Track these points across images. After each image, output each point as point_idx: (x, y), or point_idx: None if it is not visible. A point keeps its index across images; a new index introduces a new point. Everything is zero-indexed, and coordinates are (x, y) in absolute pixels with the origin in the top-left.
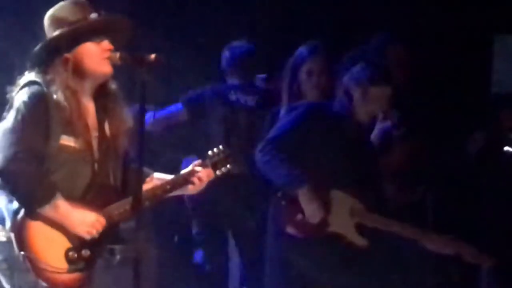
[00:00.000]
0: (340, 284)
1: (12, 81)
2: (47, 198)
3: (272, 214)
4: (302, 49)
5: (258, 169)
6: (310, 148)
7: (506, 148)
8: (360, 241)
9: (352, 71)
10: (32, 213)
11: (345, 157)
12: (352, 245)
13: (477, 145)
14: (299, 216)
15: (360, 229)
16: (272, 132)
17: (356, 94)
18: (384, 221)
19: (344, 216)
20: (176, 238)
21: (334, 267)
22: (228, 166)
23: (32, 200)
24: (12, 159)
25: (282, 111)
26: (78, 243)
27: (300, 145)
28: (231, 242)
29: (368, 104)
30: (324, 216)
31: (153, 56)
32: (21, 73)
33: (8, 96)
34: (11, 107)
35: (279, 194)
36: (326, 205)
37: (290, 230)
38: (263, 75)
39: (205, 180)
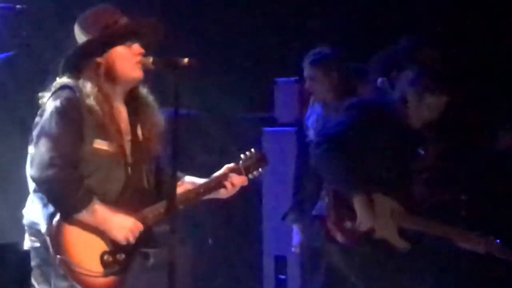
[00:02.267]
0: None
1: (44, 86)
2: (84, 203)
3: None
4: (315, 51)
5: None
6: (364, 149)
7: None
8: (403, 244)
9: (409, 74)
10: (68, 218)
11: (392, 160)
12: (394, 249)
13: (506, 143)
14: (348, 224)
15: (401, 232)
16: (328, 129)
17: (412, 99)
18: (424, 223)
19: (386, 220)
20: (210, 241)
21: (377, 272)
22: (260, 169)
23: (69, 206)
24: (47, 165)
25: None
26: (113, 247)
27: (357, 146)
28: None
29: (423, 111)
30: (373, 222)
31: (186, 60)
32: (54, 78)
33: (40, 101)
34: (43, 112)
35: (323, 195)
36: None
37: (339, 238)
38: (294, 78)
39: (238, 184)
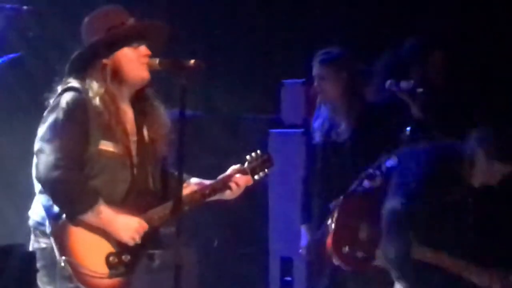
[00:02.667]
0: None
1: (50, 87)
2: (90, 204)
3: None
4: (322, 52)
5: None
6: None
7: None
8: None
9: (481, 136)
10: (73, 219)
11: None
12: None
13: None
14: (346, 249)
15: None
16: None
17: (479, 161)
18: (433, 256)
19: None
20: (215, 242)
21: None
22: (266, 170)
23: (74, 207)
24: (53, 166)
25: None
26: (119, 248)
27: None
28: None
29: (488, 175)
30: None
31: (192, 61)
32: (60, 80)
33: (46, 103)
34: (49, 112)
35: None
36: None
37: (335, 260)
38: (301, 79)
39: (243, 185)
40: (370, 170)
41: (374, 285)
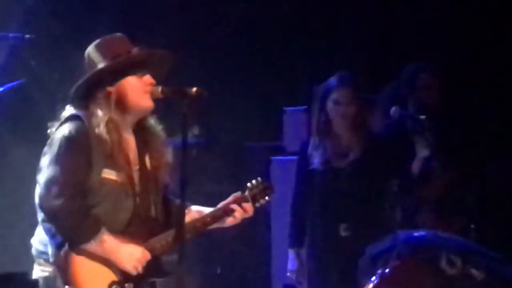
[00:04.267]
0: None
1: (52, 115)
2: (92, 233)
3: None
4: (331, 79)
5: None
6: None
7: None
8: None
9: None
10: (76, 248)
11: None
12: None
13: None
14: None
15: None
16: None
17: None
18: None
19: None
20: (218, 270)
21: None
22: (266, 198)
23: (77, 236)
24: (55, 195)
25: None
26: (122, 277)
27: None
28: None
29: None
30: None
31: (194, 89)
32: (63, 107)
33: (49, 131)
34: (52, 141)
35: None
36: None
37: None
38: (303, 107)
39: (244, 213)
40: None
41: None
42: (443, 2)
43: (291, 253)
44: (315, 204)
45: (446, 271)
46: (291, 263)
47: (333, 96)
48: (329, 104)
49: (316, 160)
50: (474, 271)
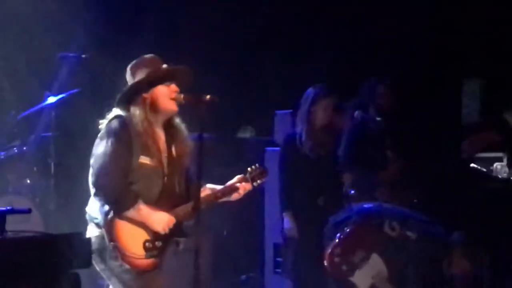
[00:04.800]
0: None
1: (103, 114)
2: (132, 204)
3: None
4: (317, 90)
5: None
6: None
7: (472, 164)
8: None
9: None
10: (120, 215)
11: None
12: None
13: (451, 161)
14: (337, 259)
15: (371, 287)
16: None
17: None
18: None
19: (367, 276)
20: (225, 232)
21: None
22: (263, 179)
23: (120, 206)
24: (104, 175)
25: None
26: (153, 236)
27: None
28: None
29: None
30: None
31: (208, 96)
32: (109, 109)
33: (99, 127)
34: (102, 134)
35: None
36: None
37: (325, 263)
38: (290, 110)
39: (245, 190)
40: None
41: None
42: (396, 29)
43: (286, 215)
44: (300, 181)
45: (388, 233)
46: (286, 223)
47: (324, 102)
48: (319, 109)
49: (305, 148)
50: (409, 233)
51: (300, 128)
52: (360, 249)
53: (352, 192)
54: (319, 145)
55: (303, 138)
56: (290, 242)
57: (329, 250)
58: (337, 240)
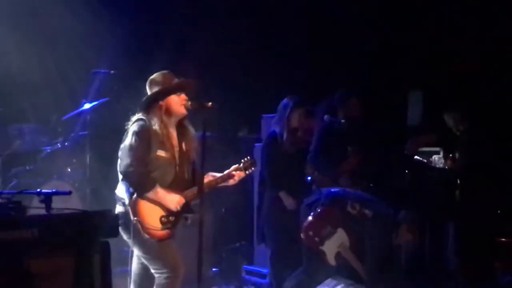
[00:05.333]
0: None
1: (128, 117)
2: (151, 187)
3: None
4: (292, 100)
5: None
6: None
7: (416, 156)
8: (333, 263)
9: None
10: (141, 196)
11: None
12: (327, 262)
13: (399, 155)
14: (311, 233)
15: (337, 255)
16: None
17: None
18: (353, 260)
19: (334, 245)
20: (223, 209)
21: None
22: (252, 169)
23: (142, 189)
24: (129, 165)
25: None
26: (167, 213)
27: None
28: None
29: None
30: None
31: (210, 103)
32: (133, 114)
33: (126, 127)
34: (127, 134)
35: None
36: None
37: (301, 235)
38: (273, 114)
39: (239, 177)
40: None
41: (316, 259)
42: (357, 52)
43: (282, 195)
44: (283, 169)
45: (350, 212)
46: (285, 200)
47: (302, 110)
48: (299, 116)
49: (285, 144)
50: (366, 211)
51: (280, 129)
52: (328, 225)
53: (309, 179)
54: (295, 142)
55: (284, 137)
56: (271, 218)
57: (305, 226)
58: (310, 218)
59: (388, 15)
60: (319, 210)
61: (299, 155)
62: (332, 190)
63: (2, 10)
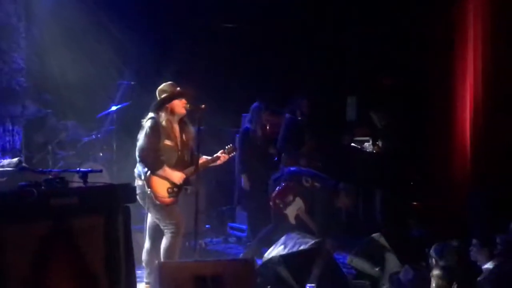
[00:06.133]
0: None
1: (143, 116)
2: (160, 167)
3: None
4: (261, 104)
5: None
6: None
7: (352, 144)
8: (293, 222)
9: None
10: (153, 173)
11: None
12: (289, 221)
13: (344, 142)
14: (278, 201)
15: (296, 216)
16: None
17: None
18: (308, 220)
19: (294, 209)
20: (213, 182)
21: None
22: (234, 153)
23: (154, 168)
24: (145, 151)
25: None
26: (173, 185)
27: None
28: None
29: None
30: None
31: (203, 106)
32: (147, 113)
33: (142, 123)
34: (143, 128)
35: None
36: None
37: (271, 202)
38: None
39: (224, 159)
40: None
41: (281, 219)
42: (311, 63)
43: (243, 176)
44: (253, 156)
45: (305, 184)
46: (243, 181)
47: (264, 112)
48: (263, 115)
49: (256, 137)
50: (316, 184)
51: (254, 126)
52: (290, 194)
53: (276, 159)
54: (266, 134)
55: (257, 132)
56: (246, 192)
57: (273, 196)
58: (277, 190)
59: (335, 36)
60: (282, 184)
61: (265, 145)
62: (291, 169)
63: (55, 31)
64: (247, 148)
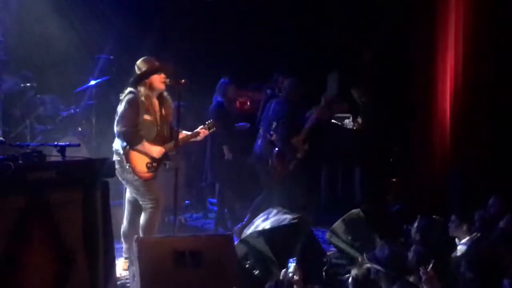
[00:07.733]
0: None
1: (122, 90)
2: (139, 141)
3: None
4: (226, 79)
5: None
6: None
7: (333, 120)
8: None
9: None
10: (132, 148)
11: None
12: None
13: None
14: (270, 162)
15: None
16: None
17: None
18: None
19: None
20: (193, 158)
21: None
22: (214, 128)
23: (132, 143)
24: (122, 125)
25: None
26: (152, 160)
27: None
28: None
29: None
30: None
31: (183, 80)
32: (126, 87)
33: (120, 97)
34: (121, 102)
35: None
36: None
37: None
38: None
39: (204, 134)
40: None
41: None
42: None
43: (224, 148)
44: (230, 129)
45: None
46: (225, 152)
47: (231, 86)
48: (229, 89)
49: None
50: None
51: (225, 99)
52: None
53: (248, 125)
54: (233, 108)
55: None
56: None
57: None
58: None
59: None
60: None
61: (235, 119)
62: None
63: (34, 4)
64: (223, 120)
